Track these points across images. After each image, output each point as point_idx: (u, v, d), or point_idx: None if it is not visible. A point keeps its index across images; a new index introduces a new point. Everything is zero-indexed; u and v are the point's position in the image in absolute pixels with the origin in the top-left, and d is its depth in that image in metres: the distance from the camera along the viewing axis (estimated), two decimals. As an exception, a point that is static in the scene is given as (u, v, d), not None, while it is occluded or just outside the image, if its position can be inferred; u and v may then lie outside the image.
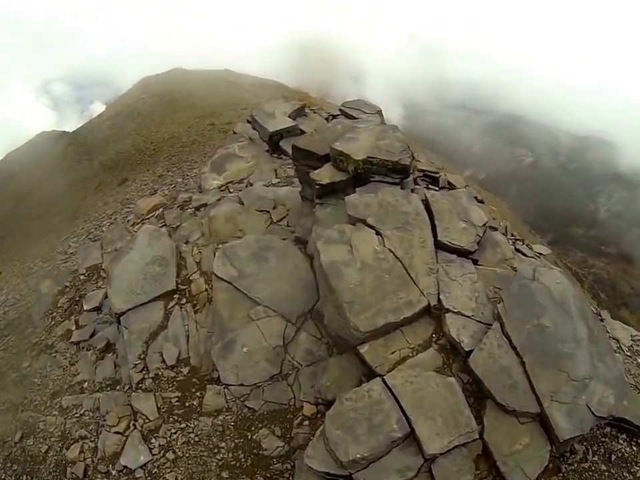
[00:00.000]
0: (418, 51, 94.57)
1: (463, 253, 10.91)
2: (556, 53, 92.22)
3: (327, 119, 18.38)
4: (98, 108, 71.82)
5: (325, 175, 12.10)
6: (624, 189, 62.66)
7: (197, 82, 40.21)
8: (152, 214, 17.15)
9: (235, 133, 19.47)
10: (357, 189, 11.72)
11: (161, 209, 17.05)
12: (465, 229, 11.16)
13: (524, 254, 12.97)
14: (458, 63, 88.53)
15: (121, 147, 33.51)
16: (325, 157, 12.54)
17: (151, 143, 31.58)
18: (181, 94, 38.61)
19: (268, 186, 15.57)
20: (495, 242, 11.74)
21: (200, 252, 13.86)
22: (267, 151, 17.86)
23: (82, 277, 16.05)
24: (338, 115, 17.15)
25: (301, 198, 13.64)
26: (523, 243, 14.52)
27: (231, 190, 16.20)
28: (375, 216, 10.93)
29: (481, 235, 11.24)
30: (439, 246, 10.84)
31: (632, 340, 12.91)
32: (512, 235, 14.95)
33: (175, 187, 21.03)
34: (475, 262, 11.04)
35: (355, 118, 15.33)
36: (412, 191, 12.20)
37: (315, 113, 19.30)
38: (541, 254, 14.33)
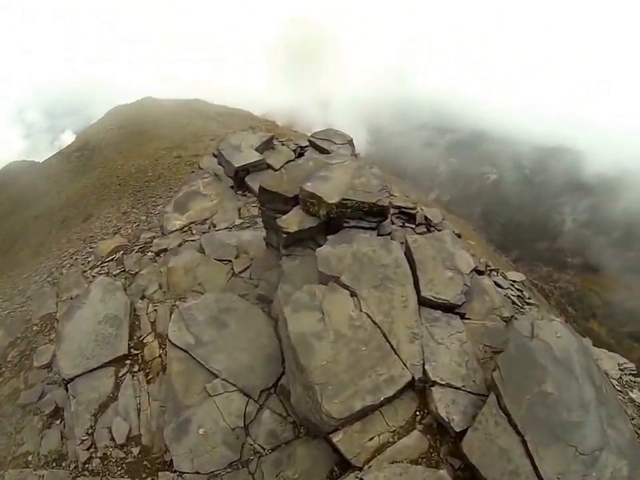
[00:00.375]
0: (384, 72, 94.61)
1: (449, 308, 9.40)
2: (519, 67, 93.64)
3: (294, 151, 17.41)
4: (68, 137, 70.05)
5: (293, 221, 10.59)
6: (588, 197, 62.64)
7: (166, 112, 39.41)
8: (112, 257, 15.81)
9: (200, 168, 18.11)
10: (328, 237, 10.20)
11: (121, 252, 15.75)
12: (451, 278, 9.68)
13: (500, 285, 11.82)
14: (422, 82, 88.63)
15: (87, 180, 32.53)
16: (293, 199, 11.09)
17: (117, 177, 30.43)
18: (150, 125, 37.83)
19: (231, 229, 14.48)
20: (482, 289, 10.28)
21: (155, 310, 12.24)
22: (232, 187, 16.78)
23: (35, 328, 14.53)
24: (307, 146, 15.89)
25: (265, 244, 12.11)
26: (497, 273, 13.35)
27: (194, 232, 15.03)
28: (350, 272, 9.33)
29: (469, 285, 9.78)
30: (423, 302, 9.30)
31: (620, 370, 11.73)
32: (487, 266, 13.68)
33: (138, 225, 19.43)
34: (462, 316, 9.54)
35: (325, 150, 14.07)
36: (390, 235, 10.71)
37: (283, 145, 18.16)
38: (515, 281, 13.32)
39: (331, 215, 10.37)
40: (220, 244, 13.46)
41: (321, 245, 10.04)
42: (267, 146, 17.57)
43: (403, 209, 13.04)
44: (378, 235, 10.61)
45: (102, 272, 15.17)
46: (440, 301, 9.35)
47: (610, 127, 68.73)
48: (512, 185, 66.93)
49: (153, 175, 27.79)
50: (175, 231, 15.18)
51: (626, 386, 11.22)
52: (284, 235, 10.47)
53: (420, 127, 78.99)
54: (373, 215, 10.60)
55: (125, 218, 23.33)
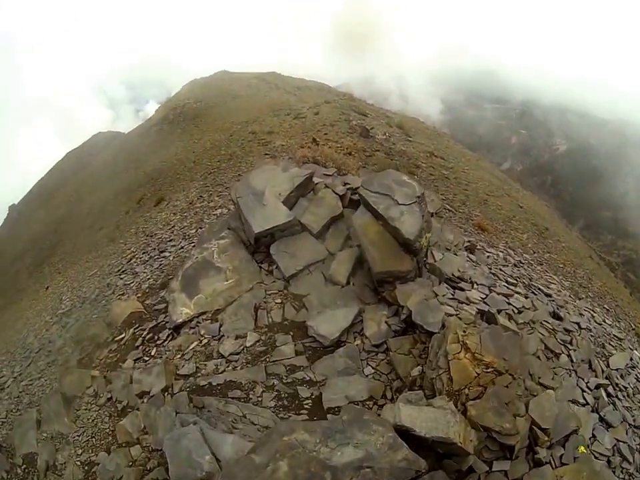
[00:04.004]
0: (457, 48, 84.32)
1: None
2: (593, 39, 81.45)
3: (342, 197, 11.22)
4: (152, 107, 66.84)
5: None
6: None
7: (242, 85, 35.42)
8: (122, 335, 10.46)
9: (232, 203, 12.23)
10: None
11: (136, 326, 10.51)
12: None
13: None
14: (494, 57, 78.09)
15: (165, 154, 29.46)
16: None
17: (193, 153, 27.07)
18: (227, 98, 34.15)
19: (236, 358, 8.98)
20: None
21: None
22: (254, 257, 10.78)
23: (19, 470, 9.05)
24: (357, 190, 11.32)
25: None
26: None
27: (202, 332, 9.53)
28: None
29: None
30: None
31: None
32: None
33: (179, 251, 15.59)
34: None
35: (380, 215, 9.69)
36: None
37: (326, 187, 11.37)
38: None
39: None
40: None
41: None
42: (303, 190, 11.22)
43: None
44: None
45: (106, 367, 10.02)
46: None
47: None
48: (580, 156, 58.72)
49: (225, 153, 24.42)
50: (180, 324, 9.85)
51: None
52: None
53: (493, 100, 70.33)
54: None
55: (187, 211, 19.76)
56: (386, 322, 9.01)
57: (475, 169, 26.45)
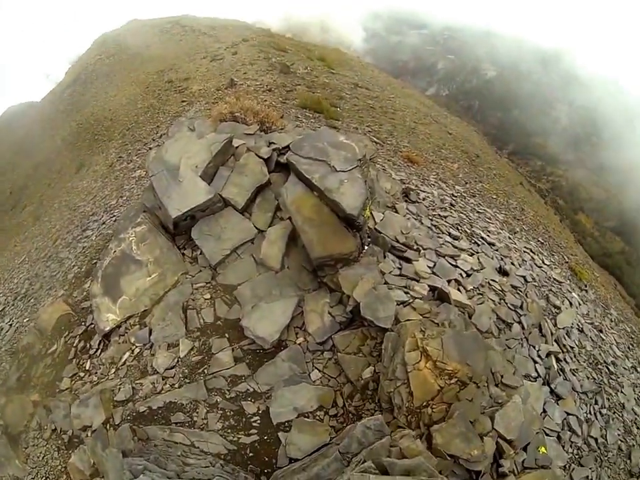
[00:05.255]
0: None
1: None
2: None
3: (267, 160, 9.23)
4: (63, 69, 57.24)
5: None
6: (584, 95, 54.14)
7: (155, 32, 31.69)
8: (54, 346, 8.98)
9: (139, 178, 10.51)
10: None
11: (66, 334, 8.99)
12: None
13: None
14: None
15: (81, 117, 26.34)
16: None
17: (109, 111, 24.44)
18: (140, 48, 31.05)
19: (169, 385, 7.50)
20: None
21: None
22: (175, 242, 9.01)
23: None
24: (284, 151, 9.51)
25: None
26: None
27: (132, 340, 8.05)
28: None
29: None
30: None
31: None
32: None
33: (102, 228, 13.55)
34: None
35: (315, 187, 8.09)
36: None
37: (249, 150, 9.33)
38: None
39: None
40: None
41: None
42: (223, 158, 9.22)
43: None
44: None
45: (44, 388, 8.72)
46: None
47: (608, 31, 57.33)
48: (510, 82, 57.49)
49: (142, 106, 22.25)
50: (109, 332, 8.32)
51: None
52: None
53: (419, 26, 66.35)
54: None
55: (108, 176, 17.78)
56: (329, 312, 7.65)
57: (401, 97, 25.48)
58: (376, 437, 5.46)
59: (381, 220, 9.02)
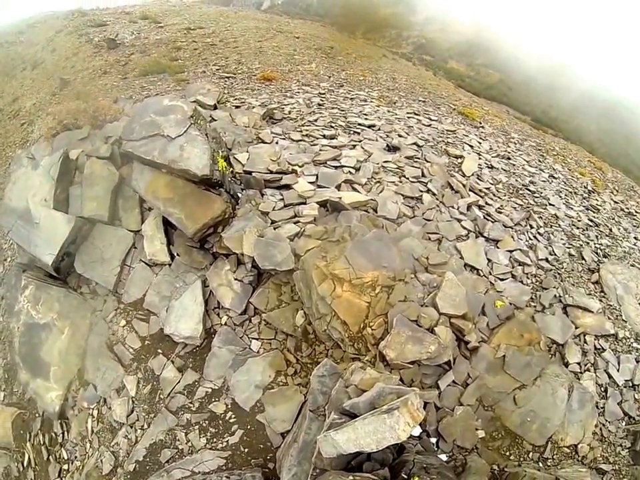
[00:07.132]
0: None
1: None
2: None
3: (110, 158, 8.05)
4: None
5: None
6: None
7: None
8: (25, 448, 8.69)
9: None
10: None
11: (28, 436, 8.40)
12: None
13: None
14: None
15: None
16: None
17: None
18: None
19: None
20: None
21: None
22: (68, 286, 8.44)
23: None
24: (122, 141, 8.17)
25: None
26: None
27: (85, 405, 7.69)
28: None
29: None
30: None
31: None
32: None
33: None
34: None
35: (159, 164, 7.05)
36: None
37: (89, 156, 8.13)
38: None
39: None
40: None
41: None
42: (68, 176, 8.17)
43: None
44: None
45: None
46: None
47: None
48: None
49: None
50: (60, 410, 7.93)
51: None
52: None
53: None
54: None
55: None
56: (235, 279, 6.95)
57: (237, 22, 23.82)
58: (333, 381, 5.01)
59: (247, 159, 8.21)
